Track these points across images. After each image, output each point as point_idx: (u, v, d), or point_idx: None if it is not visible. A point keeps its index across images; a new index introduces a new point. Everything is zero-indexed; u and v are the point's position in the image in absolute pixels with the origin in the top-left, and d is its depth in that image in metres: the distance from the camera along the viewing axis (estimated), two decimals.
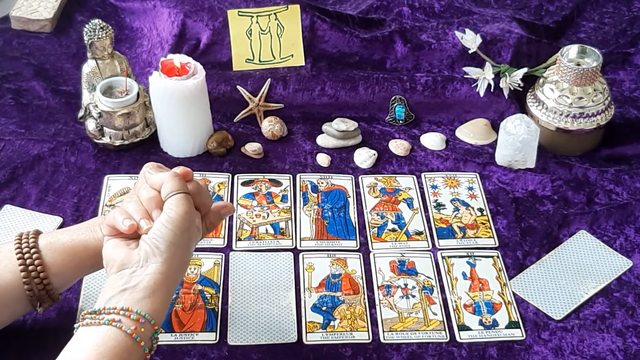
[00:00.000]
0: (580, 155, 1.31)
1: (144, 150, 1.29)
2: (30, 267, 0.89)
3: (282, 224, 1.18)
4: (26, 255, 0.90)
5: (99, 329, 0.79)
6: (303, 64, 1.41)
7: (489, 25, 1.47)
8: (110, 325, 0.78)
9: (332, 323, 1.04)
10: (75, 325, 0.81)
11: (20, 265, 0.89)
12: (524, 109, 1.35)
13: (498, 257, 1.14)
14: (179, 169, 0.91)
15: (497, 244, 1.17)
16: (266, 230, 1.17)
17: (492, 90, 1.37)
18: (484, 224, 1.20)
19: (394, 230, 1.18)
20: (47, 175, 1.24)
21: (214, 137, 1.29)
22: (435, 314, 1.06)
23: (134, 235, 0.86)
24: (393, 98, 1.37)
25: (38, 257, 0.90)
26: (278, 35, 1.40)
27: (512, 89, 1.36)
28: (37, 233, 0.93)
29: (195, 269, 1.10)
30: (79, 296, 1.05)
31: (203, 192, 0.91)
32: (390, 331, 1.04)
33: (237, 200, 1.21)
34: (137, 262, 0.83)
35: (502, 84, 1.36)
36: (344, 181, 1.26)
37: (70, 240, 0.92)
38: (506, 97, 1.37)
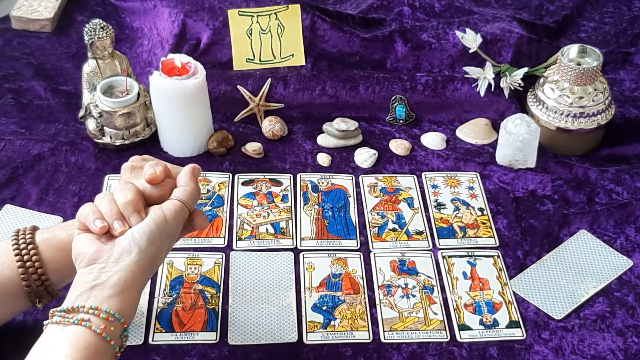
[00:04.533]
0: (581, 155, 1.31)
1: (144, 150, 1.29)
2: (28, 264, 0.89)
3: (283, 224, 1.18)
4: (24, 252, 0.90)
5: (68, 328, 0.78)
6: (303, 63, 1.41)
7: (489, 25, 1.47)
8: (79, 325, 0.78)
9: (332, 323, 1.04)
10: (45, 322, 0.80)
11: (18, 261, 0.89)
12: (524, 109, 1.35)
13: (498, 256, 1.14)
14: (191, 166, 0.90)
15: (498, 244, 1.17)
16: (266, 230, 1.17)
17: (492, 90, 1.37)
18: (484, 223, 1.20)
19: (394, 229, 1.18)
20: (48, 175, 1.24)
21: (215, 136, 1.29)
22: (436, 314, 1.06)
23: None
24: (393, 98, 1.37)
25: (36, 253, 0.90)
26: (278, 35, 1.40)
27: (512, 88, 1.36)
28: (34, 229, 0.93)
29: (195, 268, 1.10)
30: None
31: (201, 216, 0.91)
32: (391, 331, 1.04)
33: (237, 200, 1.21)
34: (108, 257, 0.82)
35: (502, 84, 1.36)
36: (344, 181, 1.26)
37: (67, 236, 0.91)
38: (506, 96, 1.37)
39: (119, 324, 0.80)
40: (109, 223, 0.83)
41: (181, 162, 1.27)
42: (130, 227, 0.84)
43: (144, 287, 0.86)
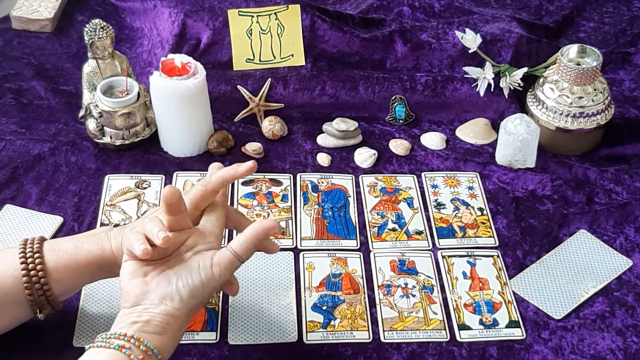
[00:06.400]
0: (580, 155, 1.31)
1: (144, 150, 1.29)
2: (32, 272, 0.90)
3: (283, 224, 1.18)
4: (29, 260, 0.90)
5: (108, 351, 0.80)
6: (303, 63, 1.41)
7: (489, 25, 1.47)
8: (120, 350, 0.79)
9: (332, 322, 1.04)
10: (86, 346, 0.82)
11: (22, 269, 0.90)
12: (524, 109, 1.36)
13: (498, 256, 1.15)
14: (270, 227, 0.89)
15: (497, 244, 1.17)
16: None
17: (492, 89, 1.37)
18: (484, 223, 1.20)
19: (394, 229, 1.18)
20: (48, 174, 1.24)
21: (215, 136, 1.29)
22: (436, 314, 1.06)
23: (153, 261, 0.86)
24: (393, 98, 1.37)
25: (41, 262, 0.90)
26: (278, 35, 1.40)
27: (512, 88, 1.36)
28: (42, 239, 0.93)
29: None
30: (79, 296, 1.05)
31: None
32: (391, 330, 1.04)
33: (237, 200, 1.21)
34: (151, 300, 0.84)
35: (502, 84, 1.36)
36: (344, 181, 1.26)
37: (74, 248, 0.92)
38: (506, 96, 1.37)
39: (156, 359, 0.81)
40: (152, 235, 0.85)
41: (181, 162, 1.27)
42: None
43: (184, 330, 0.87)
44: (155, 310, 0.83)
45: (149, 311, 0.83)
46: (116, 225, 1.14)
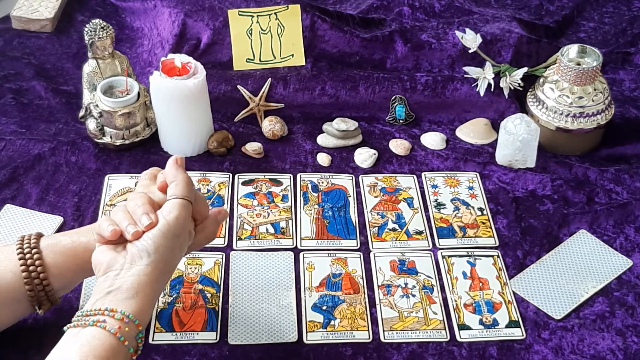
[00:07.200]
0: (580, 155, 1.31)
1: (144, 149, 1.29)
2: (31, 268, 0.90)
3: (283, 224, 1.18)
4: (27, 256, 0.90)
5: (85, 330, 0.80)
6: (303, 63, 1.41)
7: (489, 25, 1.47)
8: (95, 325, 0.80)
9: (332, 322, 1.04)
10: (65, 328, 0.82)
11: (21, 265, 0.90)
12: (524, 109, 1.36)
13: (498, 256, 1.15)
14: (173, 158, 0.92)
15: (497, 244, 1.17)
16: (267, 229, 1.17)
17: (492, 89, 1.37)
18: (484, 223, 1.20)
19: (394, 229, 1.18)
20: (48, 174, 1.24)
21: (215, 136, 1.29)
22: (436, 314, 1.06)
23: (122, 241, 0.86)
24: (393, 98, 1.37)
25: (39, 258, 0.90)
26: (278, 35, 1.40)
27: (512, 88, 1.36)
28: (39, 235, 0.94)
29: (195, 268, 1.10)
30: (80, 296, 1.05)
31: (200, 200, 0.93)
32: (391, 330, 1.04)
33: (237, 200, 1.21)
34: (122, 264, 0.84)
35: (502, 84, 1.36)
36: (344, 181, 1.26)
37: (71, 242, 0.92)
38: (506, 96, 1.37)
39: (134, 325, 0.81)
40: (122, 228, 0.86)
41: None
42: (143, 231, 0.85)
43: (161, 291, 0.87)
44: (126, 274, 0.83)
45: (120, 277, 0.83)
46: None
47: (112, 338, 0.79)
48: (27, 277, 0.90)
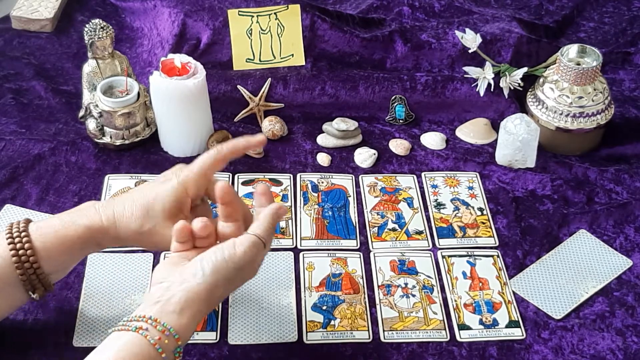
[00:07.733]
0: (580, 155, 1.32)
1: (144, 149, 1.29)
2: (21, 252, 0.90)
3: (283, 224, 1.18)
4: (16, 240, 0.90)
5: (127, 334, 0.81)
6: (303, 63, 1.41)
7: (489, 24, 1.47)
8: (137, 332, 0.80)
9: (332, 322, 1.04)
10: (110, 330, 0.83)
11: (11, 250, 0.90)
12: (524, 109, 1.36)
13: (498, 256, 1.15)
14: (277, 207, 0.94)
15: (497, 244, 1.17)
16: None
17: (492, 89, 1.37)
18: (484, 223, 1.20)
19: (394, 229, 1.18)
20: (48, 174, 1.24)
21: (215, 136, 1.29)
22: (436, 313, 1.06)
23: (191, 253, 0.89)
24: (393, 97, 1.37)
25: (28, 241, 0.90)
26: (278, 35, 1.40)
27: (512, 88, 1.36)
28: (28, 221, 0.94)
29: None
30: (79, 296, 1.05)
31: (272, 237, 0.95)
32: (391, 330, 1.04)
33: None
34: (175, 278, 0.85)
35: (502, 84, 1.36)
36: (344, 181, 1.26)
37: (61, 222, 0.92)
38: (506, 96, 1.37)
39: (173, 339, 0.82)
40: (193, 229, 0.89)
41: (181, 162, 1.27)
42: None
43: (205, 314, 0.87)
44: (177, 288, 0.84)
45: (170, 289, 0.84)
46: None
47: (150, 348, 0.80)
48: (17, 262, 0.90)
